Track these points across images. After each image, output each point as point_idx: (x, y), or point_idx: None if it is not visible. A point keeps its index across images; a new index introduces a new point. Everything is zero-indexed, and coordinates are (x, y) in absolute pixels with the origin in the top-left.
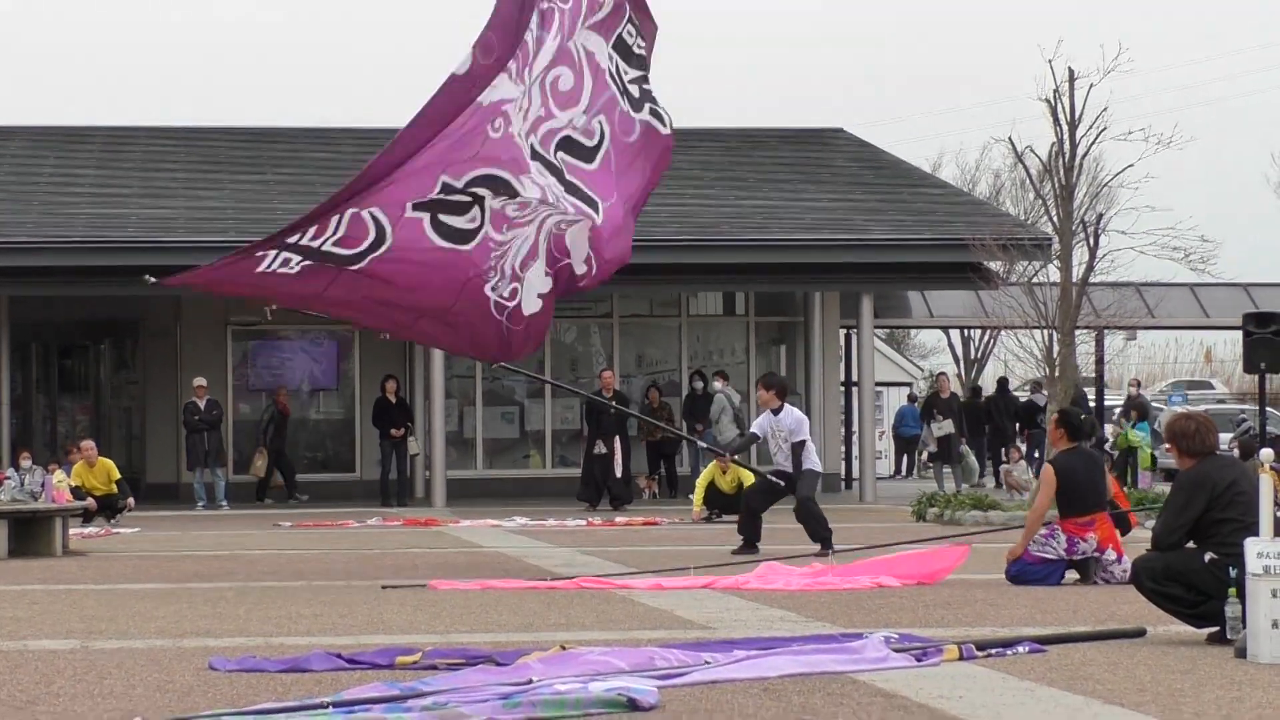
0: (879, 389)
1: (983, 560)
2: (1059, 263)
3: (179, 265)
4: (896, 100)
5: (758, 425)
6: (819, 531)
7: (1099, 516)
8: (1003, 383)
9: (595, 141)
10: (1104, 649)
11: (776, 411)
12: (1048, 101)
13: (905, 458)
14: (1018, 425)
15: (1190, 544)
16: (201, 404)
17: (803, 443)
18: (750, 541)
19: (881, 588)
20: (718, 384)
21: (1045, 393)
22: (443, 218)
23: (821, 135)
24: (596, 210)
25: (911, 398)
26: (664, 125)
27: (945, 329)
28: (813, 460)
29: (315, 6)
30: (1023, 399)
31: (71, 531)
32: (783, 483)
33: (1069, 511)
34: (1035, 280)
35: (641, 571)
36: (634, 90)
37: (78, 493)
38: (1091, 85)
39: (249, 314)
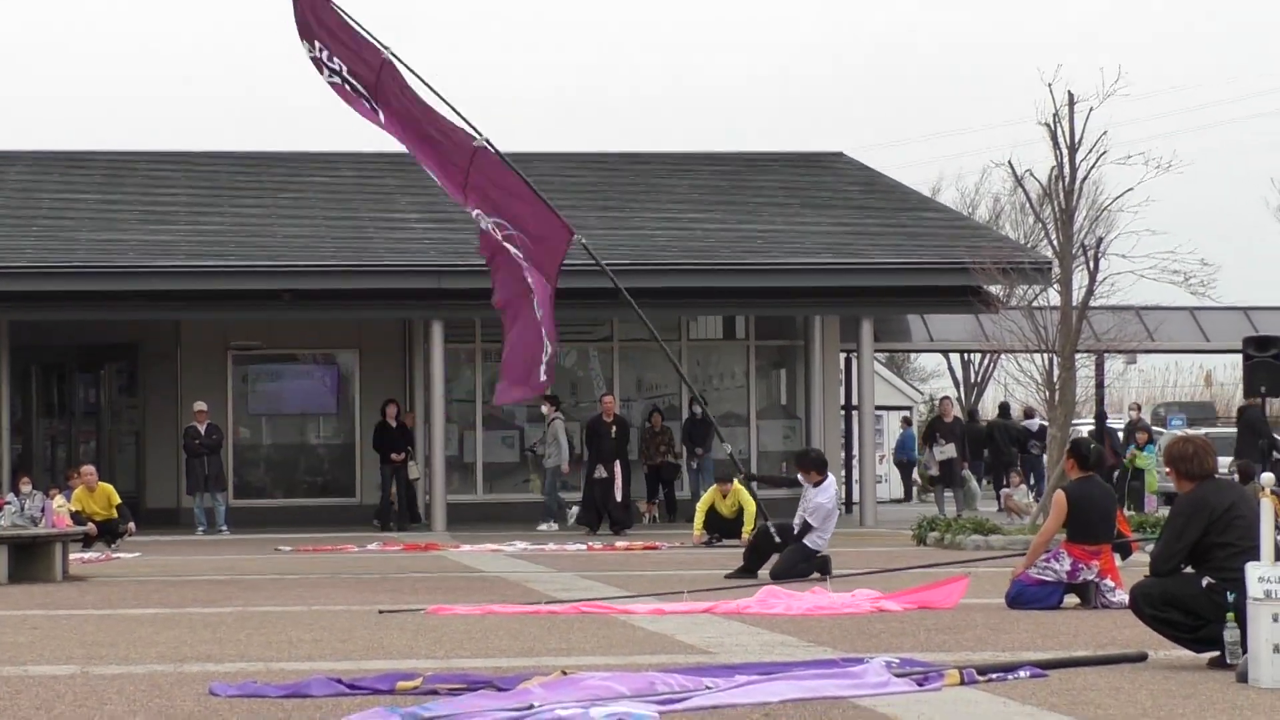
0: (879, 413)
1: (983, 585)
2: (1059, 286)
3: (179, 290)
4: (897, 124)
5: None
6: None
7: (1105, 549)
8: (1004, 407)
9: None
10: (1105, 674)
11: (816, 484)
12: (1047, 125)
13: (905, 482)
14: (1016, 450)
15: (1188, 568)
16: (202, 428)
17: (809, 525)
18: (750, 569)
19: (883, 612)
20: (545, 408)
21: (1038, 419)
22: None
23: (821, 159)
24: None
25: (906, 421)
26: None
27: (945, 353)
28: (815, 540)
29: None
30: (1022, 424)
31: (72, 556)
32: (779, 539)
33: (1077, 538)
34: (1035, 304)
35: (642, 595)
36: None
37: (78, 518)
38: (1091, 109)
39: (249, 338)
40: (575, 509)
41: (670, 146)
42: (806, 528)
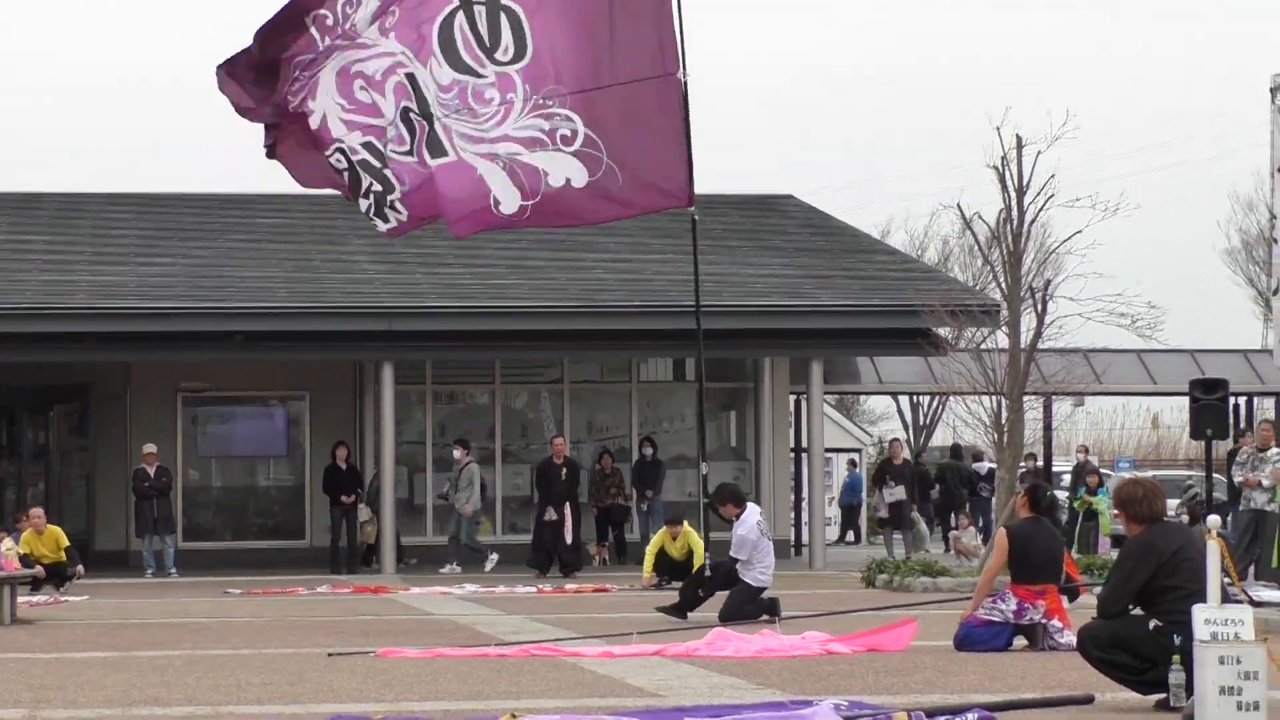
0: (828, 455)
1: (931, 627)
2: (1007, 329)
3: (130, 331)
4: (846, 167)
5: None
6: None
7: (1050, 589)
8: (955, 449)
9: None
10: (1053, 716)
11: (736, 517)
12: (995, 168)
13: (847, 526)
14: (965, 492)
15: (1137, 610)
16: (151, 471)
17: (738, 560)
18: (682, 608)
19: (832, 654)
20: (457, 453)
21: (986, 461)
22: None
23: (771, 201)
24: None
25: (853, 464)
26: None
27: (894, 395)
28: (754, 575)
29: None
30: (972, 466)
31: (20, 599)
32: (709, 573)
33: (1021, 577)
34: (984, 346)
35: (591, 637)
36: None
37: (26, 561)
38: (1039, 152)
39: (199, 380)
40: (494, 556)
41: None
42: (734, 562)
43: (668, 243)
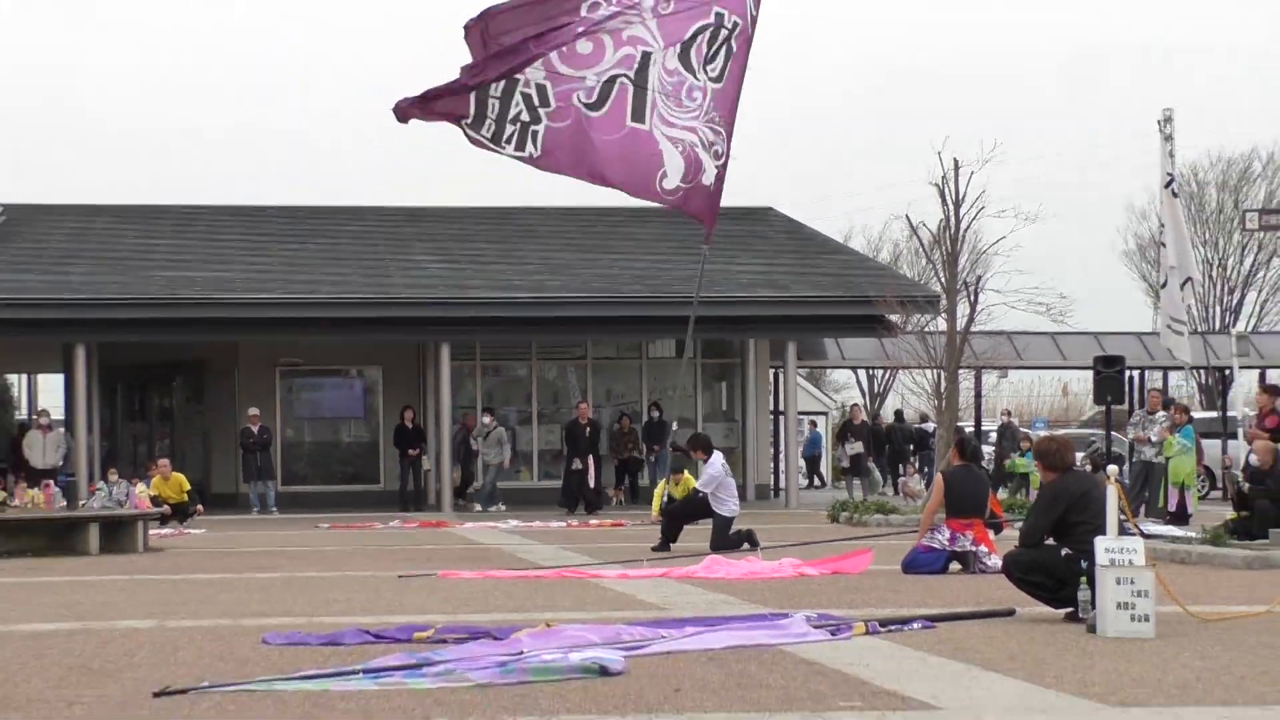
0: (801, 417)
1: (884, 555)
2: (945, 315)
3: (237, 318)
4: (816, 183)
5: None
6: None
7: (976, 522)
8: (899, 414)
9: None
10: (982, 626)
11: (705, 460)
12: (937, 186)
13: (811, 474)
14: (912, 447)
15: (1051, 541)
16: (255, 429)
17: (708, 494)
18: (665, 544)
19: (804, 577)
20: (486, 419)
21: (931, 422)
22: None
23: (754, 213)
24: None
25: (813, 424)
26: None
27: (854, 368)
28: (727, 507)
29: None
30: (916, 427)
31: (150, 532)
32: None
33: (953, 513)
34: (926, 330)
35: (610, 563)
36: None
37: (156, 501)
38: (972, 173)
39: (293, 356)
40: (501, 507)
41: (633, 204)
42: (698, 494)
43: (671, 246)
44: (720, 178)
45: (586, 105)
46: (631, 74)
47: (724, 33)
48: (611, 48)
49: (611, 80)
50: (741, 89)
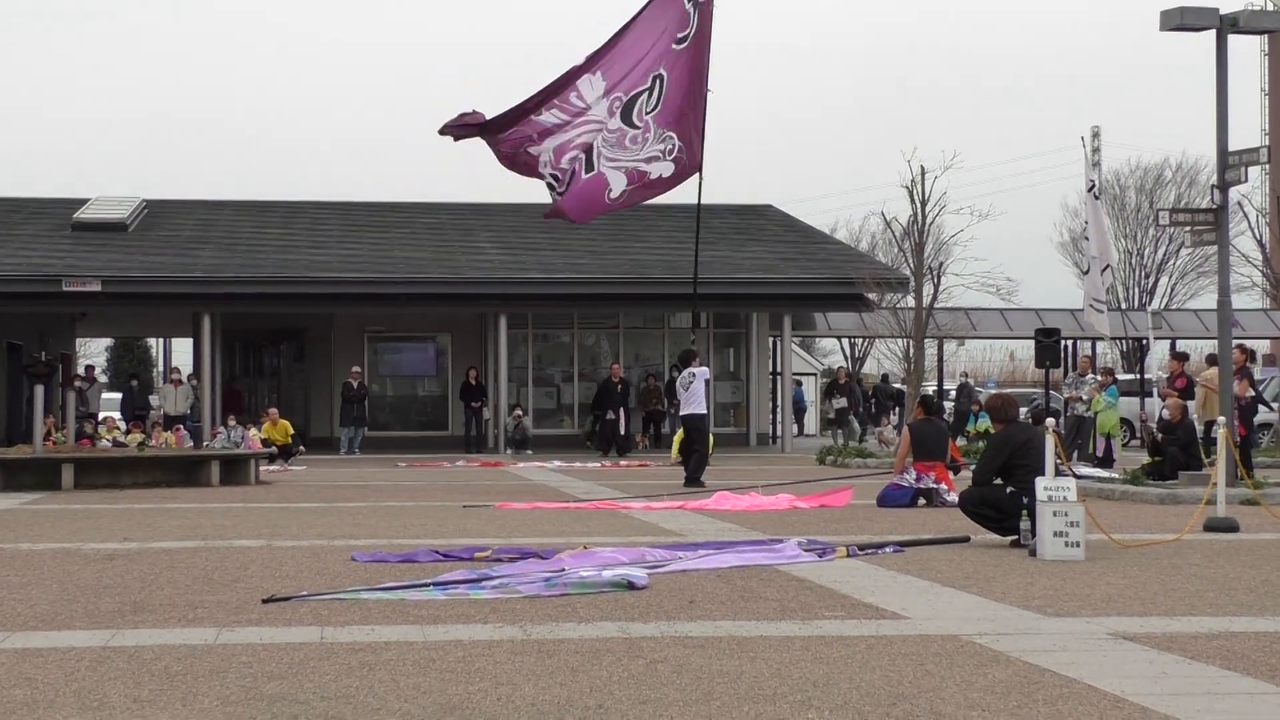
0: (795, 377)
1: (862, 492)
2: (914, 294)
3: (333, 293)
4: (810, 183)
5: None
6: (695, 470)
7: (938, 465)
8: (885, 377)
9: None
10: (943, 550)
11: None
12: (907, 188)
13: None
14: (892, 403)
15: (998, 481)
16: (355, 384)
17: (689, 394)
18: (693, 479)
19: (796, 509)
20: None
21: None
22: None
23: (756, 209)
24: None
25: (797, 383)
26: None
27: (839, 337)
28: (693, 405)
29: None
30: (896, 387)
31: (260, 468)
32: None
33: (918, 457)
34: (898, 306)
35: (637, 497)
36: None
37: (265, 443)
38: (936, 177)
39: (378, 325)
40: (529, 452)
41: (656, 203)
42: (687, 388)
43: (688, 236)
44: (682, 161)
45: (560, 193)
46: (584, 154)
47: (659, 78)
48: (577, 147)
49: (571, 160)
50: (692, 83)
